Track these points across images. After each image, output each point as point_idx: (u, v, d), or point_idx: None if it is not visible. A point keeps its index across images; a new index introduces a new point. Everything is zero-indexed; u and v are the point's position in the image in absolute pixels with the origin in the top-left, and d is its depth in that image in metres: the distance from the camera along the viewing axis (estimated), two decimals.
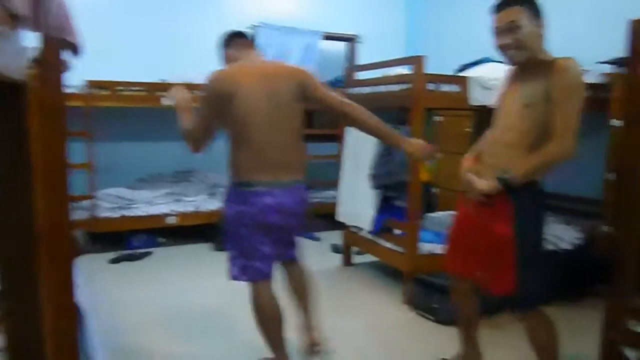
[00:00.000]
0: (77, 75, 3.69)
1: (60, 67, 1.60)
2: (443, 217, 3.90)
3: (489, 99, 3.19)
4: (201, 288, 3.41)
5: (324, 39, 5.79)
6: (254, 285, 2.14)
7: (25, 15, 0.73)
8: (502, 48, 1.89)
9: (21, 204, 0.85)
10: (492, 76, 3.21)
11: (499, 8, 1.88)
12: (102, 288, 3.36)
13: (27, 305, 0.88)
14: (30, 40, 1.13)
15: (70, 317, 1.80)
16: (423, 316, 2.99)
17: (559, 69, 1.78)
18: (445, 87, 3.15)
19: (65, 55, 1.17)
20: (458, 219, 2.21)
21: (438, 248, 3.23)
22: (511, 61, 1.93)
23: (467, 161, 2.12)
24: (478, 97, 3.18)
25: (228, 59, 2.27)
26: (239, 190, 2.09)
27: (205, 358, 2.51)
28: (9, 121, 0.77)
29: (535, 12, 1.85)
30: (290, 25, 5.55)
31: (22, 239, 0.86)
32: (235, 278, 2.16)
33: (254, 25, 5.39)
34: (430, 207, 4.01)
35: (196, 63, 4.93)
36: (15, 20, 0.71)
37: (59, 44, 0.96)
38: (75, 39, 0.93)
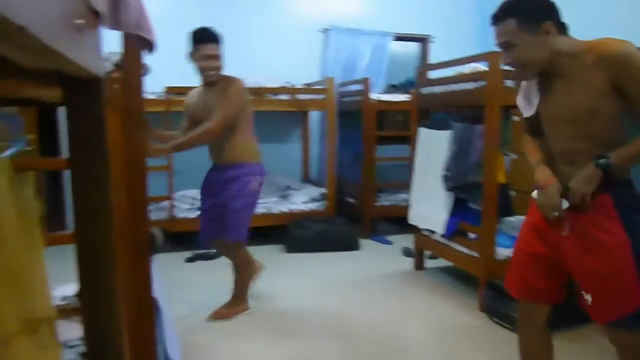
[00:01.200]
0: (156, 82, 3.88)
1: (141, 70, 1.68)
2: (521, 221, 3.72)
3: None
4: (272, 289, 3.45)
5: (394, 40, 5.72)
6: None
7: (105, 12, 0.75)
8: (508, 65, 1.70)
9: (101, 201, 0.87)
10: None
11: (493, 22, 1.66)
12: (178, 285, 3.49)
13: (106, 298, 0.91)
14: (111, 41, 1.18)
15: (149, 311, 1.88)
16: (499, 324, 2.85)
17: (616, 55, 1.51)
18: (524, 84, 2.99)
19: (143, 54, 1.20)
20: (529, 233, 1.88)
21: None
22: (520, 79, 1.78)
23: (547, 178, 1.77)
24: None
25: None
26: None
27: (272, 359, 2.53)
28: (88, 116, 0.80)
29: (532, 18, 1.59)
30: (360, 28, 5.53)
31: (103, 233, 0.89)
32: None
33: (324, 29, 5.42)
34: (507, 210, 3.82)
35: (266, 67, 5.05)
36: (95, 16, 0.73)
37: (138, 42, 0.99)
38: (152, 36, 0.96)
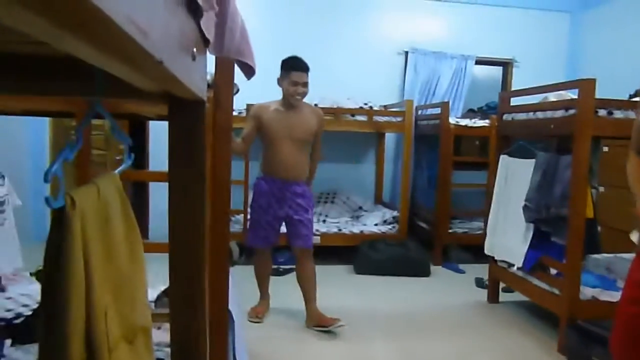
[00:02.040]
0: (240, 99, 4.03)
1: (231, 90, 1.75)
2: (609, 260, 3.48)
3: None
4: (340, 308, 3.43)
5: (476, 64, 5.60)
6: None
7: (212, 39, 0.80)
8: None
9: (196, 213, 0.92)
10: None
11: None
12: (249, 298, 3.56)
13: (195, 307, 0.95)
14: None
15: (224, 323, 1.93)
16: None
17: None
18: (619, 114, 2.82)
19: (240, 77, 1.26)
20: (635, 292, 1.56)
21: (603, 294, 2.88)
22: None
23: None
24: None
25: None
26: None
27: None
28: (190, 134, 0.84)
29: None
30: (441, 51, 5.47)
31: (196, 244, 0.93)
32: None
33: (405, 51, 5.42)
34: (594, 246, 3.59)
35: (345, 88, 5.10)
36: (205, 43, 0.78)
37: (231, 65, 1.03)
38: (253, 62, 1.00)
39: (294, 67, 3.06)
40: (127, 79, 0.56)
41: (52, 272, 0.55)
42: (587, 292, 2.86)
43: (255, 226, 3.23)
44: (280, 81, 3.11)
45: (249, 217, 3.30)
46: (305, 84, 3.08)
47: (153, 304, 2.30)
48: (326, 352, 2.81)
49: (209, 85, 1.84)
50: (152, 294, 2.41)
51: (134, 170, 5.41)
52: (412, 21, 5.50)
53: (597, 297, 2.85)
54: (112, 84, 0.73)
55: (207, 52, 0.89)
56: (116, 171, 0.77)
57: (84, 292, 0.57)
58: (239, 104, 4.29)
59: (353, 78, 5.28)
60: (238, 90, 1.76)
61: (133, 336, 0.71)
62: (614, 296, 2.88)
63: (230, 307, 2.07)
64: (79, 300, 0.56)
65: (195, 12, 0.63)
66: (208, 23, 0.75)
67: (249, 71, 1.03)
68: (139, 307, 0.74)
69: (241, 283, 3.83)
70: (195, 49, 0.68)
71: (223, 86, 1.73)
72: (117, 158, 4.71)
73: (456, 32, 5.59)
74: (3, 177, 2.55)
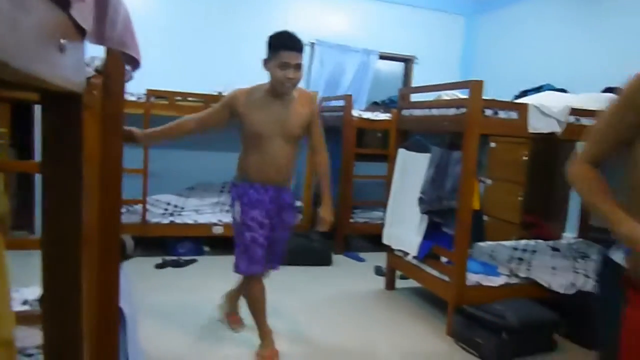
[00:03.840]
0: (138, 84, 3.84)
1: (123, 78, 1.66)
2: (492, 247, 3.77)
3: (548, 127, 3.08)
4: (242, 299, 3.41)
5: (380, 59, 5.78)
6: None
7: (90, 29, 0.74)
8: None
9: (72, 207, 0.86)
10: (553, 104, 3.10)
11: None
12: (146, 292, 3.43)
13: (69, 308, 0.89)
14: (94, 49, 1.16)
15: (113, 321, 1.84)
16: (465, 350, 2.88)
17: None
18: (502, 114, 3.05)
19: (126, 68, 1.19)
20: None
21: (486, 279, 3.12)
22: None
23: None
24: (537, 125, 3.06)
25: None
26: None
27: None
28: (64, 125, 0.78)
29: None
30: (346, 44, 5.58)
31: (71, 241, 0.87)
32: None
33: (311, 42, 5.45)
34: (479, 235, 3.88)
35: (251, 76, 5.04)
36: (80, 33, 0.72)
37: (123, 57, 0.98)
38: (137, 55, 0.95)
39: (284, 45, 2.38)
40: None
41: None
42: (472, 278, 3.08)
43: (249, 248, 2.48)
44: (266, 63, 2.45)
45: (236, 238, 2.54)
46: (299, 67, 2.41)
47: (38, 303, 2.15)
48: (225, 342, 2.78)
49: (98, 72, 1.73)
50: (36, 292, 2.25)
51: (14, 159, 4.97)
52: (319, 13, 5.55)
53: (481, 283, 3.08)
54: None
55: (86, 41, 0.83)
56: None
57: None
58: (138, 88, 4.10)
59: (259, 68, 5.22)
60: (131, 78, 1.67)
61: None
62: (495, 281, 3.14)
63: (121, 305, 1.98)
64: None
65: (62, 2, 0.58)
66: (83, 12, 0.69)
67: (134, 63, 0.97)
68: (1, 322, 0.68)
69: (135, 277, 3.68)
70: (63, 40, 0.62)
71: (114, 73, 1.63)
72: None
73: (361, 27, 5.73)
74: None
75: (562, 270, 3.32)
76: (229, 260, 2.94)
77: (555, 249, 3.81)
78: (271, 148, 2.48)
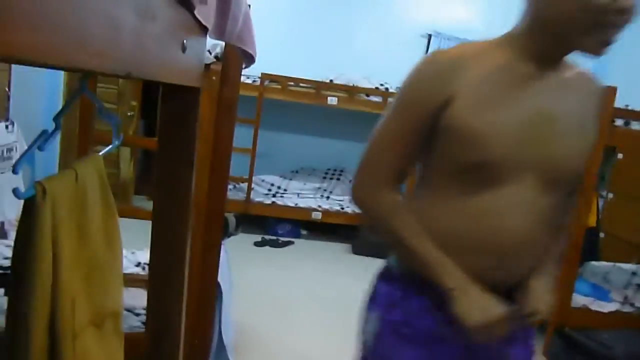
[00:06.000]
0: (253, 66, 4.00)
1: (240, 67, 1.73)
2: (607, 269, 3.46)
3: None
4: (334, 286, 3.47)
5: None
6: None
7: (212, 26, 0.77)
8: None
9: (184, 183, 0.91)
10: None
11: None
12: (243, 267, 3.60)
13: (174, 277, 0.95)
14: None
15: (211, 296, 1.95)
16: None
17: None
18: (637, 125, 2.76)
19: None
20: None
21: (594, 304, 2.87)
22: None
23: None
24: None
25: None
26: None
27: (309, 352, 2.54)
28: (182, 110, 0.83)
29: None
30: (464, 36, 5.34)
31: (180, 215, 0.93)
32: None
33: (428, 34, 5.30)
34: (593, 254, 3.57)
35: (363, 67, 5.02)
36: (202, 30, 0.75)
37: (240, 53, 1.01)
38: (253, 51, 0.98)
39: None
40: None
41: (19, 264, 0.55)
42: (579, 300, 2.85)
43: None
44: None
45: None
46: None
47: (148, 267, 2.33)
48: (313, 325, 2.84)
49: (218, 58, 1.82)
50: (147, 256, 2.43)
51: (143, 131, 5.41)
52: (438, 2, 5.37)
53: (588, 307, 2.84)
54: None
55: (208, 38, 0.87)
56: (100, 153, 0.76)
57: (50, 284, 0.57)
58: (253, 71, 4.26)
59: (372, 57, 5.19)
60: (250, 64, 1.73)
61: (101, 321, 0.71)
62: (605, 307, 2.88)
63: (219, 280, 2.09)
64: (44, 291, 0.56)
65: (187, 4, 0.61)
66: (206, 11, 0.72)
67: (249, 59, 1.00)
68: (111, 292, 0.74)
69: (234, 252, 3.88)
70: (186, 40, 0.66)
71: (232, 62, 1.71)
72: (129, 114, 4.70)
73: (483, 18, 5.44)
74: (13, 123, 2.55)
75: None
76: (324, 246, 3.00)
77: None
78: (510, 198, 1.00)
